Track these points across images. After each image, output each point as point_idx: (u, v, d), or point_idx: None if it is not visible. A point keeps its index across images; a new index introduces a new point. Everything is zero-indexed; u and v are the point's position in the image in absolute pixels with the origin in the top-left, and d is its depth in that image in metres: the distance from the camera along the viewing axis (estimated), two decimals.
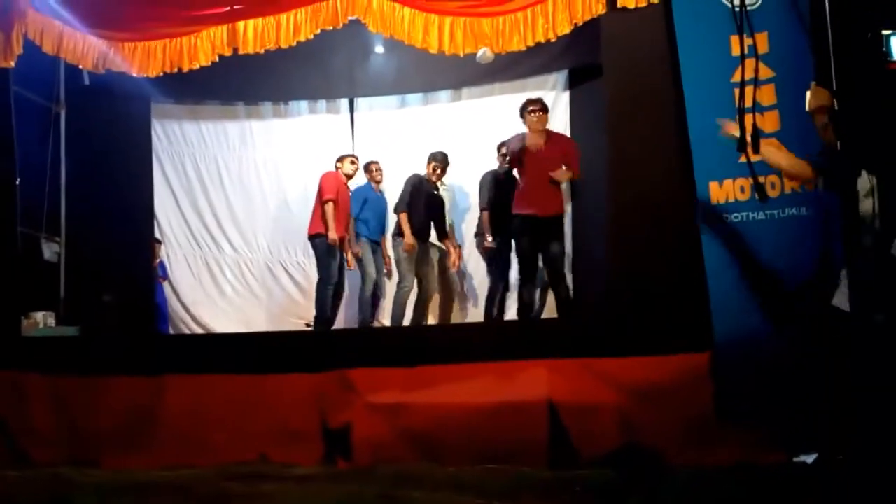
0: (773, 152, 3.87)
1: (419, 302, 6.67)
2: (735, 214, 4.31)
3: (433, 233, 6.83)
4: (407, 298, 6.59)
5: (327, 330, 6.35)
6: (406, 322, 6.58)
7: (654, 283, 4.59)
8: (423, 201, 6.62)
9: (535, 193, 5.67)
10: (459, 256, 6.97)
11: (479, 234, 6.77)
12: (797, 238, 4.20)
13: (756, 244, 4.28)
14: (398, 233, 6.64)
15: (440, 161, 6.69)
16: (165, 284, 7.57)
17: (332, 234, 6.50)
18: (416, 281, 6.65)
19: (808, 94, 3.61)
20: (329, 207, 6.54)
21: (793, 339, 4.05)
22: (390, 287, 7.04)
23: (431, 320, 6.90)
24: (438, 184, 6.81)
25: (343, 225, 6.72)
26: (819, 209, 4.16)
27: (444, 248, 6.91)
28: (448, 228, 6.93)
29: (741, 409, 4.08)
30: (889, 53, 2.84)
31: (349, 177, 6.88)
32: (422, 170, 6.83)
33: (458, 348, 4.51)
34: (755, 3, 4.37)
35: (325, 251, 6.56)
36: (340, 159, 6.91)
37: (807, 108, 3.58)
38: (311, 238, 6.70)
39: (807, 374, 3.96)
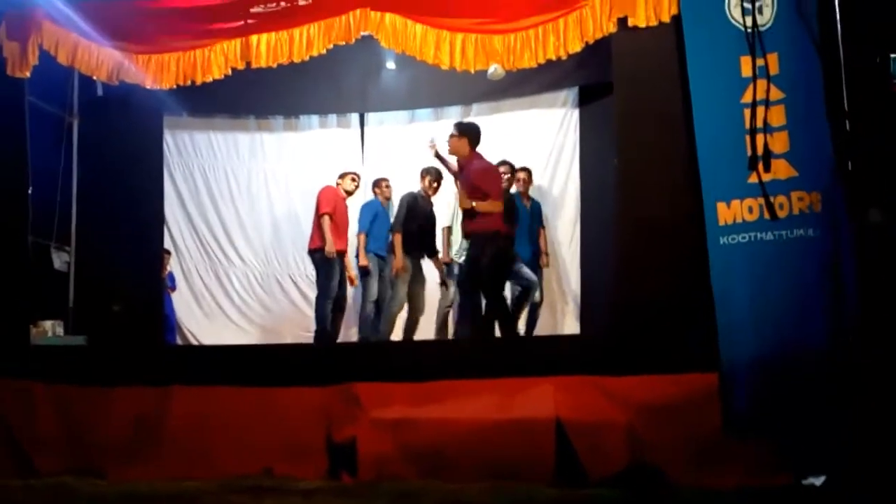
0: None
1: (409, 321, 6.56)
2: (743, 235, 4.30)
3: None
4: (396, 315, 6.50)
5: (331, 344, 6.34)
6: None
7: (662, 301, 4.58)
8: (419, 220, 6.53)
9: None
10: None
11: None
12: (805, 259, 4.18)
13: (764, 265, 4.27)
14: (390, 251, 6.57)
15: (434, 175, 6.64)
16: (174, 295, 7.60)
17: (330, 248, 6.50)
18: (406, 299, 6.55)
19: None
20: (325, 221, 6.54)
21: (802, 360, 4.04)
22: None
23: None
24: (432, 199, 6.76)
25: (342, 239, 6.72)
26: (827, 230, 4.15)
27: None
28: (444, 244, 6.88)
29: (749, 430, 4.06)
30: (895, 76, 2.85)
31: (349, 193, 6.90)
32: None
33: (465, 364, 4.51)
34: (766, 24, 4.38)
35: (324, 265, 6.55)
36: (342, 176, 6.92)
37: None
38: (311, 252, 6.70)
39: (817, 395, 3.94)
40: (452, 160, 5.96)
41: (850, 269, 4.00)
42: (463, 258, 6.63)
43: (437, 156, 5.97)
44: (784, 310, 4.17)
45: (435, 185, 6.67)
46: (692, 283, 4.44)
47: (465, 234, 5.71)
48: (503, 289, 5.73)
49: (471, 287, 5.54)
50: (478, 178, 5.47)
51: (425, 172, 6.68)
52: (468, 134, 5.62)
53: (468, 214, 5.47)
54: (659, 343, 4.38)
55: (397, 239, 6.42)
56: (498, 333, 5.50)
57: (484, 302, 5.51)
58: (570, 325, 7.16)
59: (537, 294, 6.79)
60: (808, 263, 4.17)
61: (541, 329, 7.01)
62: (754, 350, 4.14)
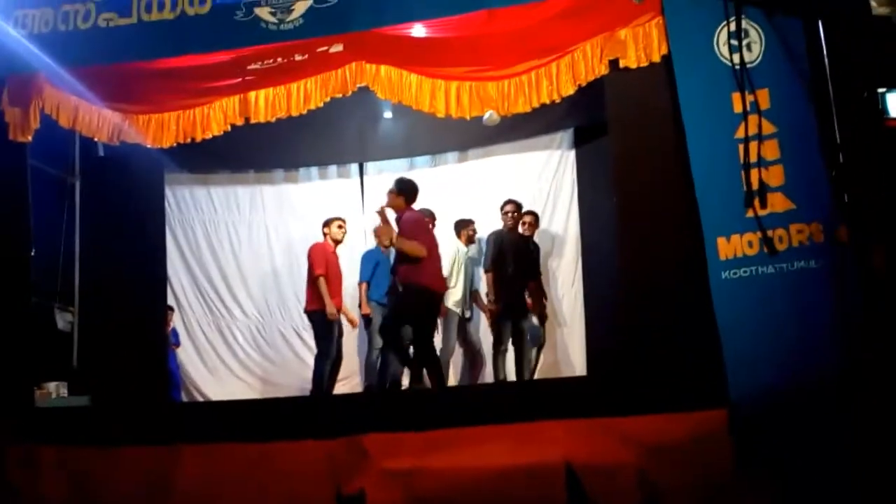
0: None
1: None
2: (745, 269, 4.30)
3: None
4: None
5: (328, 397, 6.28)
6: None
7: (668, 339, 4.56)
8: None
9: None
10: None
11: (487, 294, 6.81)
12: (809, 291, 4.18)
13: (768, 298, 4.26)
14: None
15: (430, 217, 6.70)
16: (178, 351, 7.58)
17: (331, 309, 6.46)
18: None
19: None
20: (322, 284, 6.49)
21: (812, 392, 4.00)
22: None
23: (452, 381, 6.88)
24: None
25: (337, 295, 6.69)
26: (829, 261, 4.16)
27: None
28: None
29: (762, 466, 4.01)
30: (886, 111, 2.88)
31: (337, 242, 6.82)
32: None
33: (473, 410, 4.47)
34: (755, 61, 4.45)
35: (324, 326, 6.50)
36: (327, 224, 6.85)
37: None
38: (309, 314, 6.64)
39: (829, 428, 3.90)
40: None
41: (856, 298, 4.00)
42: (460, 309, 6.70)
43: (383, 218, 6.07)
44: (791, 342, 4.16)
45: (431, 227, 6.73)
46: (697, 320, 4.43)
47: (399, 281, 5.86)
48: (431, 339, 5.83)
49: (389, 336, 5.86)
50: (406, 226, 5.77)
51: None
52: (405, 192, 5.90)
53: (400, 260, 5.78)
54: (666, 381, 4.35)
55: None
56: (428, 384, 5.68)
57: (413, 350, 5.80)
58: (576, 366, 7.11)
59: (543, 335, 6.79)
60: (811, 294, 4.17)
61: (547, 371, 6.98)
62: (764, 384, 4.11)
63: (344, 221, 6.94)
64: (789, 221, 4.25)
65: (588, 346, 7.05)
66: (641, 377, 4.52)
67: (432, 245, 5.86)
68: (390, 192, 5.95)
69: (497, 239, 6.73)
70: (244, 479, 4.46)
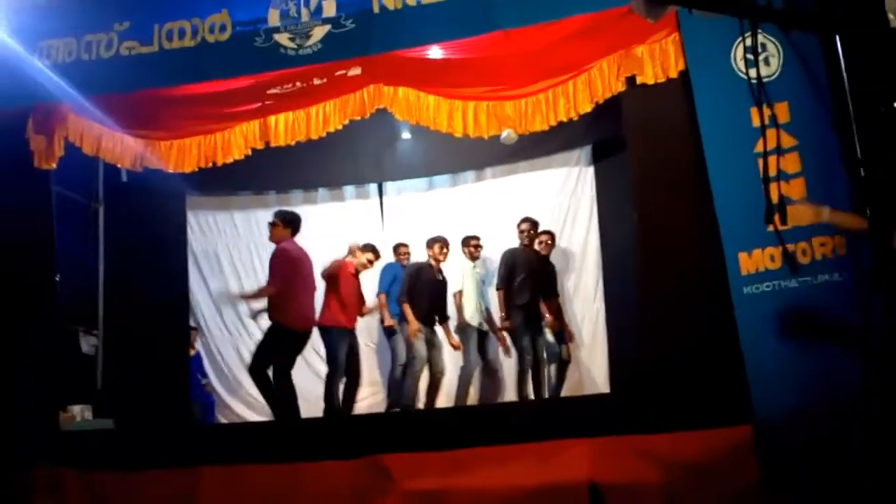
0: (841, 218, 3.80)
1: (430, 385, 6.68)
2: (767, 284, 4.26)
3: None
4: (418, 377, 6.61)
5: (343, 418, 6.26)
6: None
7: (691, 355, 4.52)
8: (426, 289, 6.72)
9: None
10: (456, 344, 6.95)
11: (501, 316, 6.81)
12: (833, 304, 4.13)
13: (791, 312, 4.21)
14: (402, 319, 6.70)
15: (442, 243, 6.81)
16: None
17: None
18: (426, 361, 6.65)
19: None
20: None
21: (838, 410, 3.94)
22: None
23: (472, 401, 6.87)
24: (442, 266, 6.89)
25: (354, 316, 6.68)
26: (852, 274, 4.11)
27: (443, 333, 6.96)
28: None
29: (787, 483, 3.95)
30: None
31: (358, 272, 6.74)
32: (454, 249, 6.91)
33: (496, 429, 4.45)
34: (773, 75, 4.43)
35: (333, 341, 6.44)
36: (360, 250, 6.77)
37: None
38: (321, 329, 6.52)
39: (855, 446, 3.84)
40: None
41: (880, 312, 3.94)
42: (477, 321, 6.71)
43: (245, 298, 6.25)
44: (815, 357, 4.10)
45: (444, 252, 6.77)
46: (719, 336, 4.39)
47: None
48: (287, 373, 5.88)
49: (253, 374, 5.88)
50: (270, 262, 6.01)
51: (432, 241, 6.80)
52: (292, 223, 6.07)
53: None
54: (690, 398, 4.31)
55: (406, 308, 6.64)
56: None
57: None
58: (599, 383, 7.06)
59: (564, 352, 6.76)
60: (836, 308, 4.12)
61: (570, 390, 6.93)
62: (789, 399, 4.06)
63: (376, 257, 6.88)
64: (812, 234, 4.20)
65: (610, 363, 7.01)
66: (665, 394, 4.48)
67: (295, 282, 5.86)
68: (274, 223, 6.04)
69: (510, 257, 6.74)
70: (267, 501, 4.46)
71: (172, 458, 4.72)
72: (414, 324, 6.55)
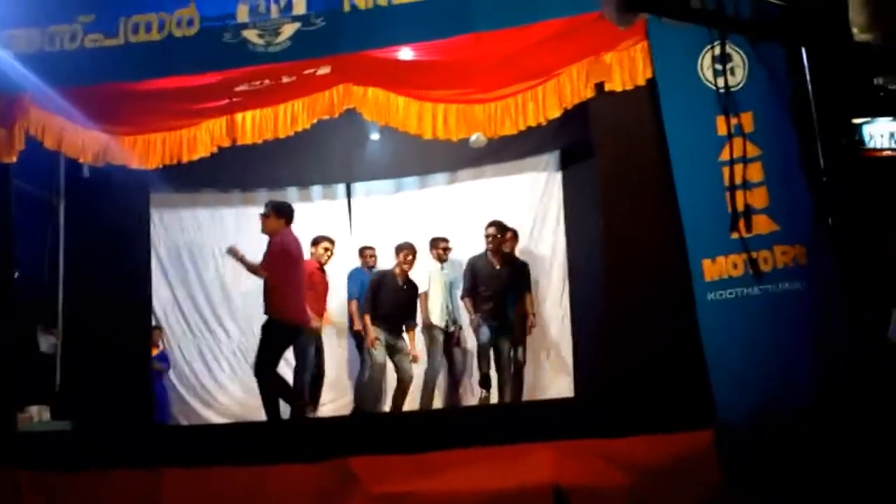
0: None
1: (398, 390, 6.63)
2: (730, 291, 4.34)
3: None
4: (379, 383, 6.64)
5: (307, 416, 6.22)
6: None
7: (654, 360, 4.57)
8: (390, 297, 6.67)
9: None
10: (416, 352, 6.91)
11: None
12: (794, 312, 4.22)
13: (753, 319, 4.29)
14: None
15: (408, 250, 6.77)
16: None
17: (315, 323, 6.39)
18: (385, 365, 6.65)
19: None
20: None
21: (797, 413, 4.02)
22: None
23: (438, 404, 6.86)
24: (411, 272, 6.84)
25: (322, 311, 6.65)
26: (813, 283, 4.19)
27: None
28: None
29: (749, 485, 4.02)
30: (863, 141, 2.93)
31: (321, 264, 6.73)
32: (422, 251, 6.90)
33: (460, 432, 4.45)
34: (739, 84, 4.51)
35: (306, 337, 6.32)
36: (315, 242, 6.75)
37: None
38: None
39: (818, 445, 3.92)
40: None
41: (839, 321, 4.03)
42: (443, 323, 6.70)
43: (240, 260, 5.99)
44: (776, 362, 4.19)
45: (410, 259, 6.76)
46: (683, 341, 4.45)
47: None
48: (273, 368, 5.69)
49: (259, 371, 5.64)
50: (268, 249, 5.67)
51: (398, 249, 6.78)
52: (285, 214, 5.78)
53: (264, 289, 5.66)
54: (653, 402, 4.36)
55: (366, 319, 6.59)
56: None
57: None
58: (563, 387, 7.10)
59: (521, 354, 6.77)
60: (795, 316, 4.20)
61: (533, 392, 6.96)
62: (750, 404, 4.14)
63: (332, 244, 6.85)
64: (773, 243, 4.29)
65: (575, 368, 7.05)
66: (629, 398, 4.52)
67: (292, 275, 5.70)
68: (266, 214, 5.77)
69: (471, 266, 6.78)
70: (230, 503, 4.41)
71: (133, 460, 4.64)
72: (371, 333, 6.53)
